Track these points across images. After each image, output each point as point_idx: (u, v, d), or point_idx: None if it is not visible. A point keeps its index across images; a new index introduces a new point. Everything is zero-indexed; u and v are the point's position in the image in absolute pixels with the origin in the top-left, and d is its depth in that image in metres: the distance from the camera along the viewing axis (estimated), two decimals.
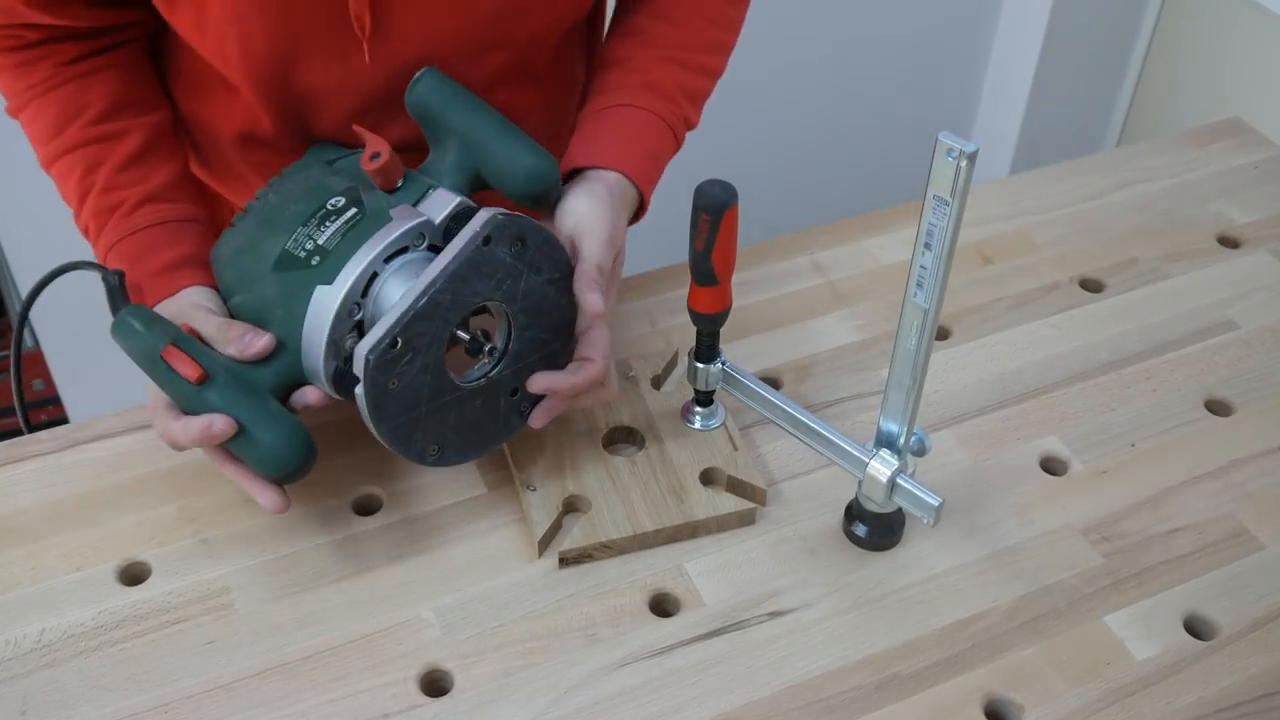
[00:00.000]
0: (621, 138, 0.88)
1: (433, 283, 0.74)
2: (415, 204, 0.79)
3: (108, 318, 0.78)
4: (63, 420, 1.87)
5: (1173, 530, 0.85)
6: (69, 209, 0.87)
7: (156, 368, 0.76)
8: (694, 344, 0.86)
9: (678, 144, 0.92)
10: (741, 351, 0.97)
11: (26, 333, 1.92)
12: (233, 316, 0.81)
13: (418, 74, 0.83)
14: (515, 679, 0.76)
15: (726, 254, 0.79)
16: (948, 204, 0.66)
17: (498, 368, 0.80)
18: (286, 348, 0.78)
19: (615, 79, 0.91)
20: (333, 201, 0.80)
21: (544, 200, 0.83)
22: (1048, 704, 0.74)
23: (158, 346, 0.76)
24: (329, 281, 0.76)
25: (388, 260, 0.77)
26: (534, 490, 0.84)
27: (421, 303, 0.73)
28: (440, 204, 0.79)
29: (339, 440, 0.88)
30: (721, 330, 0.84)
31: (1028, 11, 2.03)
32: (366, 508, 0.86)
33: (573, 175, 0.86)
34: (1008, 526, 0.85)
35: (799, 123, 2.05)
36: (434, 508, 0.85)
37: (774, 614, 0.79)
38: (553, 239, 0.79)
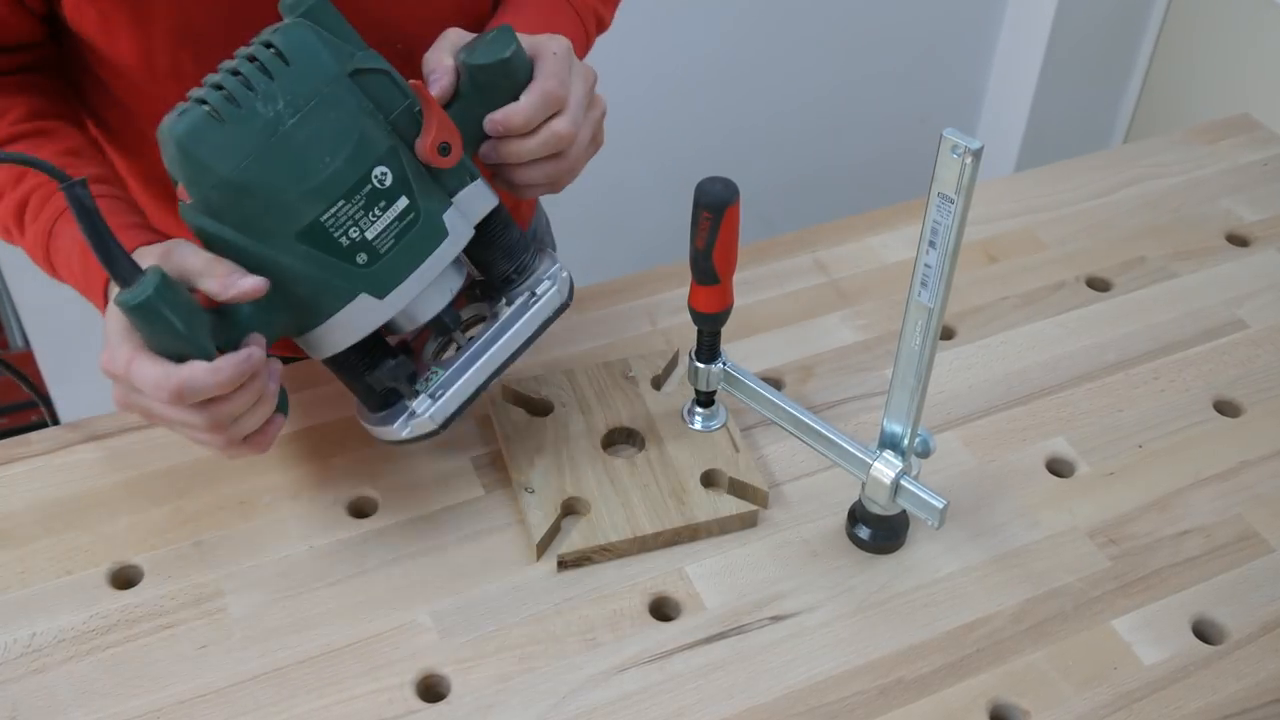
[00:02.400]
0: (525, 25, 0.80)
1: None
2: (451, 195, 0.74)
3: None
4: (54, 421, 1.86)
5: (1181, 533, 0.83)
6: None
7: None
8: (695, 344, 0.85)
9: (588, 39, 0.87)
10: (743, 351, 0.96)
11: (16, 332, 1.91)
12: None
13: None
14: (513, 684, 0.75)
15: (728, 252, 0.78)
16: (953, 202, 0.66)
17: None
18: (291, 314, 0.71)
19: None
20: (378, 174, 0.70)
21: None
22: (1054, 709, 0.73)
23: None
24: (379, 294, 0.71)
25: None
26: (532, 492, 0.83)
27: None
28: (475, 206, 0.75)
29: (334, 440, 0.87)
30: (723, 330, 0.83)
31: (1033, 6, 2.02)
32: (362, 510, 0.85)
33: None
34: (1013, 529, 0.84)
35: (801, 119, 2.05)
36: (430, 510, 0.84)
37: (776, 618, 0.78)
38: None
